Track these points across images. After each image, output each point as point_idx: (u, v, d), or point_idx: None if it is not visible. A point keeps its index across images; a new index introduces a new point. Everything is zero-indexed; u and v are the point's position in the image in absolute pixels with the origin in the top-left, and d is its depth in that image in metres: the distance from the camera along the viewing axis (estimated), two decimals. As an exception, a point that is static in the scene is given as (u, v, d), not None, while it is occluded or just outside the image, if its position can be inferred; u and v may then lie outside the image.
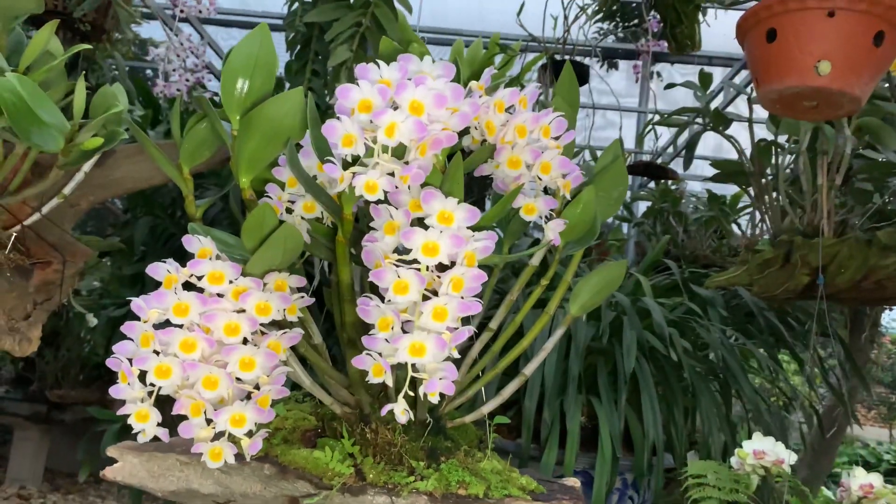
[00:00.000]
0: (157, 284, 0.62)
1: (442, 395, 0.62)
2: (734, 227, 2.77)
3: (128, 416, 0.57)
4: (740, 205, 3.00)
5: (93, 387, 3.05)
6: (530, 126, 0.68)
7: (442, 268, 0.58)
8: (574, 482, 0.94)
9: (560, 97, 0.76)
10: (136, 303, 0.58)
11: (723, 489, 1.29)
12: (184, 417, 0.59)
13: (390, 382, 0.55)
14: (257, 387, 0.60)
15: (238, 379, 0.58)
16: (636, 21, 3.49)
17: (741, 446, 1.34)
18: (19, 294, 0.89)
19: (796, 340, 1.91)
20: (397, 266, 0.57)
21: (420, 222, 0.61)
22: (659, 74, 3.61)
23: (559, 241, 0.72)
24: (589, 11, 2.54)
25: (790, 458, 1.27)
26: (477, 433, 0.90)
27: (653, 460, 1.57)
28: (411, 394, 0.57)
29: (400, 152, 0.60)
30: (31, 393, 3.05)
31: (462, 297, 0.56)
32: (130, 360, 0.58)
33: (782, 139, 1.60)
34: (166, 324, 0.60)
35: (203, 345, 0.57)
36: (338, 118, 0.57)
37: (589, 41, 2.94)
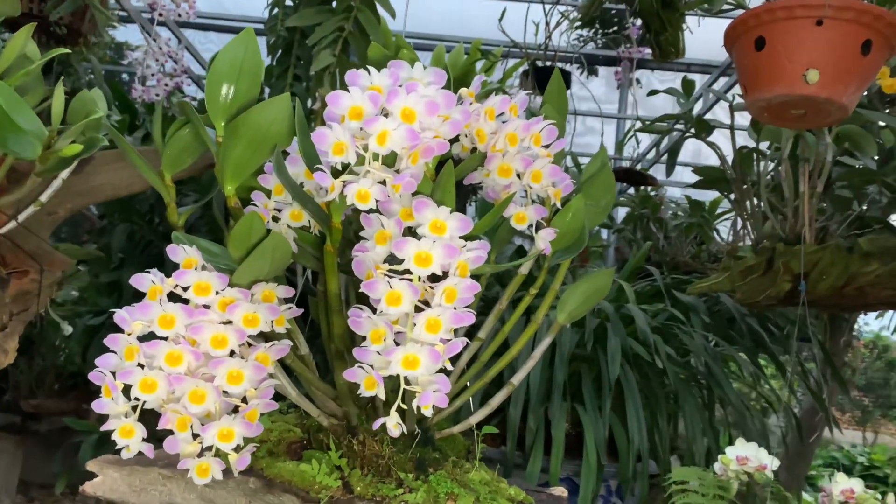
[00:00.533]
0: (136, 292, 0.61)
1: (434, 408, 0.61)
2: (713, 233, 2.79)
3: (110, 431, 0.55)
4: (718, 210, 3.03)
5: (69, 397, 2.99)
6: (521, 134, 0.67)
7: (433, 278, 0.57)
8: (561, 492, 0.93)
9: (549, 105, 0.76)
10: (120, 314, 0.57)
11: (706, 495, 1.29)
12: (168, 432, 0.58)
13: (383, 395, 0.54)
14: (244, 400, 0.59)
15: (225, 392, 0.56)
16: (615, 28, 3.52)
17: (724, 452, 1.35)
18: (-6, 304, 0.87)
19: (776, 345, 1.93)
20: (389, 277, 0.56)
21: (410, 231, 0.60)
22: (638, 81, 3.63)
23: (549, 249, 0.72)
24: (570, 17, 2.55)
25: (773, 463, 1.27)
26: (464, 443, 0.89)
27: (637, 466, 1.57)
28: (403, 406, 0.56)
29: (390, 160, 0.59)
30: (5, 403, 2.98)
31: (455, 308, 0.55)
32: (114, 374, 0.56)
33: (764, 146, 1.61)
34: (150, 336, 0.59)
35: (189, 357, 0.55)
36: (328, 126, 0.56)
37: (570, 48, 2.96)
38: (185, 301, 0.59)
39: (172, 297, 0.59)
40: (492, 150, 0.67)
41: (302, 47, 1.55)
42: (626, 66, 2.64)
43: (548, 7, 2.47)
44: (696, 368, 1.80)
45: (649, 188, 3.20)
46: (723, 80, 3.41)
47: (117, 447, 0.57)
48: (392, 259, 0.60)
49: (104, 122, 0.81)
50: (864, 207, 1.45)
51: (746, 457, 1.28)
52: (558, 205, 0.72)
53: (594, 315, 1.74)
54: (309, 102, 1.59)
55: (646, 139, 3.58)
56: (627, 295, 1.74)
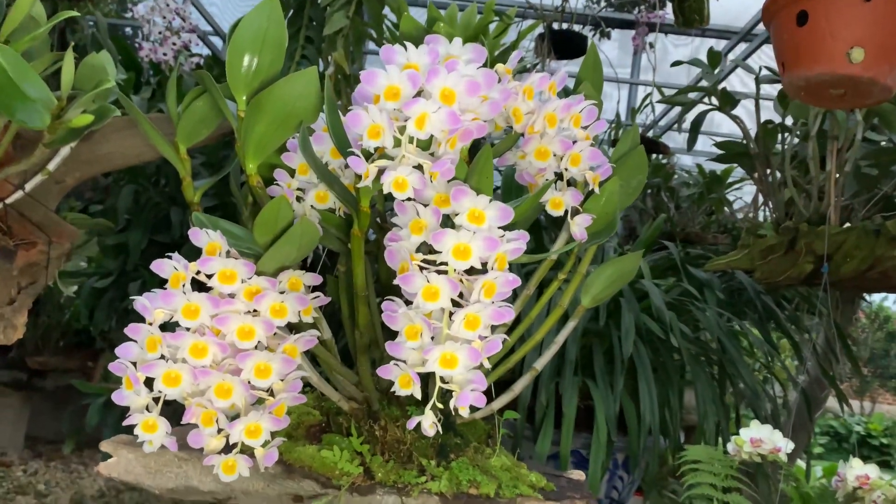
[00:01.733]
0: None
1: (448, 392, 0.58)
2: (726, 205, 2.75)
3: (132, 420, 0.52)
4: (729, 180, 2.98)
5: (74, 354, 2.99)
6: (560, 114, 0.64)
7: (470, 270, 0.55)
8: (579, 475, 0.92)
9: (588, 82, 0.72)
10: (141, 302, 0.54)
11: (718, 475, 1.28)
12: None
13: (419, 395, 0.52)
14: (270, 392, 0.56)
15: (251, 385, 0.54)
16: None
17: (736, 429, 1.34)
18: (2, 278, 0.84)
19: (787, 322, 1.91)
20: (424, 269, 0.53)
21: (446, 219, 0.57)
22: (652, 45, 3.55)
23: (585, 237, 0.69)
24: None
25: (787, 446, 1.26)
26: (485, 428, 0.88)
27: (647, 442, 1.56)
28: (440, 405, 0.54)
29: (425, 143, 0.56)
30: (11, 360, 2.99)
31: (493, 304, 0.53)
32: (135, 365, 0.54)
33: (789, 121, 1.56)
34: (170, 323, 0.56)
35: (215, 349, 0.53)
36: (363, 106, 0.52)
37: (585, 10, 2.87)
38: (208, 289, 0.56)
39: (194, 283, 0.56)
40: (529, 131, 0.64)
41: (315, 8, 1.50)
42: (644, 30, 2.57)
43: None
44: (708, 345, 1.78)
45: (661, 156, 3.15)
46: (741, 47, 3.33)
47: (139, 440, 0.54)
48: (424, 247, 0.58)
49: (115, 90, 0.77)
50: (893, 187, 1.42)
51: (760, 439, 1.27)
52: (596, 189, 0.69)
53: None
54: (321, 66, 1.54)
55: (659, 105, 3.51)
56: (643, 270, 1.71)
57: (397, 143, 0.53)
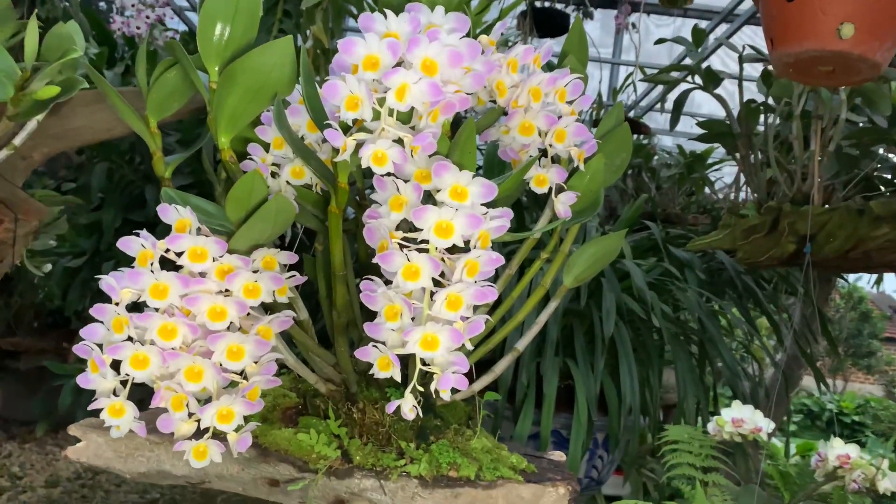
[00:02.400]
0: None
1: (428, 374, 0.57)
2: (707, 185, 2.75)
3: (98, 405, 0.50)
4: (709, 161, 2.98)
5: (48, 335, 2.94)
6: (545, 88, 0.62)
7: (452, 249, 0.53)
8: (560, 456, 0.91)
9: (573, 56, 0.69)
10: (106, 282, 0.51)
11: (698, 455, 1.29)
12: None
13: (398, 377, 0.50)
14: (243, 374, 0.54)
15: (223, 368, 0.52)
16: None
17: (716, 409, 1.34)
18: (-34, 255, 0.81)
19: (767, 301, 1.91)
20: (404, 247, 0.51)
21: (427, 196, 0.54)
22: (634, 25, 3.53)
23: (570, 214, 0.67)
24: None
25: (768, 426, 1.27)
26: (465, 409, 0.86)
27: (627, 421, 1.56)
28: (420, 388, 0.52)
29: (405, 116, 0.54)
30: (-18, 341, 2.93)
31: (475, 283, 0.51)
32: (101, 347, 0.51)
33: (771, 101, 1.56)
34: (138, 304, 0.54)
35: (184, 331, 0.50)
36: (340, 76, 0.50)
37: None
38: (178, 267, 0.53)
39: (164, 262, 0.54)
40: (513, 105, 0.62)
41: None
42: (627, 9, 2.55)
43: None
44: (688, 325, 1.79)
45: (642, 137, 3.14)
46: (723, 27, 3.32)
47: (105, 425, 0.52)
48: (405, 224, 0.55)
49: (83, 61, 0.74)
50: (875, 167, 1.42)
51: (742, 419, 1.27)
52: (581, 166, 0.67)
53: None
54: (299, 41, 1.50)
55: (641, 85, 3.50)
56: (624, 250, 1.70)
57: (376, 116, 0.51)
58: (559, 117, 0.63)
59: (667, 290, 1.74)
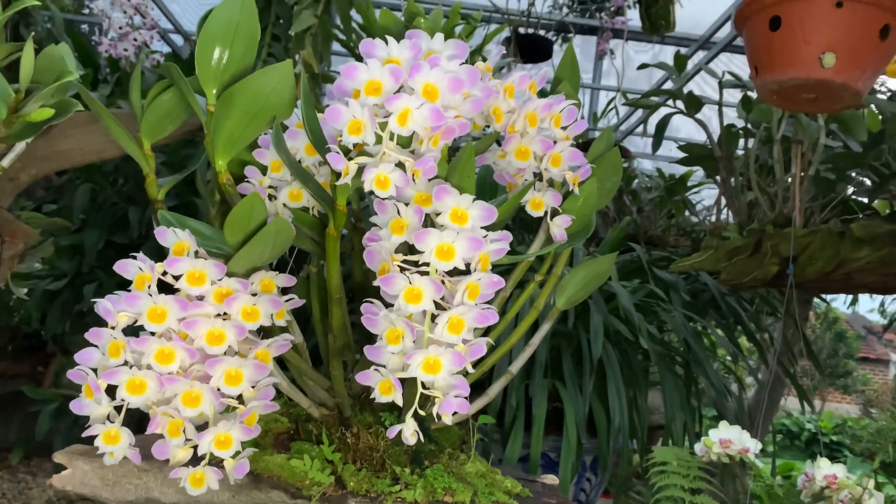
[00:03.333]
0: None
1: (427, 398, 0.57)
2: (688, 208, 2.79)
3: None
4: (689, 184, 3.03)
5: (23, 359, 2.88)
6: (541, 114, 0.62)
7: (451, 272, 0.53)
8: (553, 479, 0.91)
9: (566, 82, 0.71)
10: (103, 305, 0.51)
11: (687, 476, 1.29)
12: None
13: (400, 401, 0.50)
14: (240, 399, 0.54)
15: (220, 392, 0.51)
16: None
17: (703, 430, 1.34)
18: (-48, 278, 0.79)
19: (750, 322, 1.93)
20: (404, 269, 0.51)
21: (427, 219, 0.55)
22: (612, 52, 3.59)
23: (564, 237, 0.68)
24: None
25: (755, 446, 1.28)
26: (459, 433, 0.86)
27: (615, 444, 1.56)
28: (422, 412, 0.52)
29: (405, 141, 0.54)
30: (-44, 365, 2.86)
31: (476, 305, 0.51)
32: (96, 371, 0.50)
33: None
34: (135, 328, 0.53)
35: (182, 355, 0.50)
36: (343, 101, 0.50)
37: (551, 16, 2.89)
38: (174, 290, 0.53)
39: (159, 285, 0.53)
40: (509, 130, 0.62)
41: (281, 5, 1.46)
42: (608, 35, 2.59)
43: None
44: (673, 346, 1.80)
45: (623, 160, 3.17)
46: (700, 54, 3.38)
47: (99, 452, 0.51)
48: (403, 247, 0.56)
49: (78, 85, 0.74)
50: (851, 191, 1.45)
51: (729, 439, 1.28)
52: (575, 190, 0.67)
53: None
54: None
55: (621, 110, 3.55)
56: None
57: (378, 140, 0.51)
58: (554, 142, 0.63)
59: (652, 311, 1.75)
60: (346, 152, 0.54)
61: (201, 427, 0.53)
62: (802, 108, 0.91)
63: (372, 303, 0.52)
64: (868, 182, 1.55)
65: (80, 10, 3.02)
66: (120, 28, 1.53)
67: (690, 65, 3.25)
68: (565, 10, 3.43)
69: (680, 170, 2.95)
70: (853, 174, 1.56)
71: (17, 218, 0.87)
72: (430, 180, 0.54)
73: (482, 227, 0.53)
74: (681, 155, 1.82)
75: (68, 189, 2.05)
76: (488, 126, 0.68)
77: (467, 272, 0.53)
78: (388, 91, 0.50)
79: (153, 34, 1.57)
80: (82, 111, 0.91)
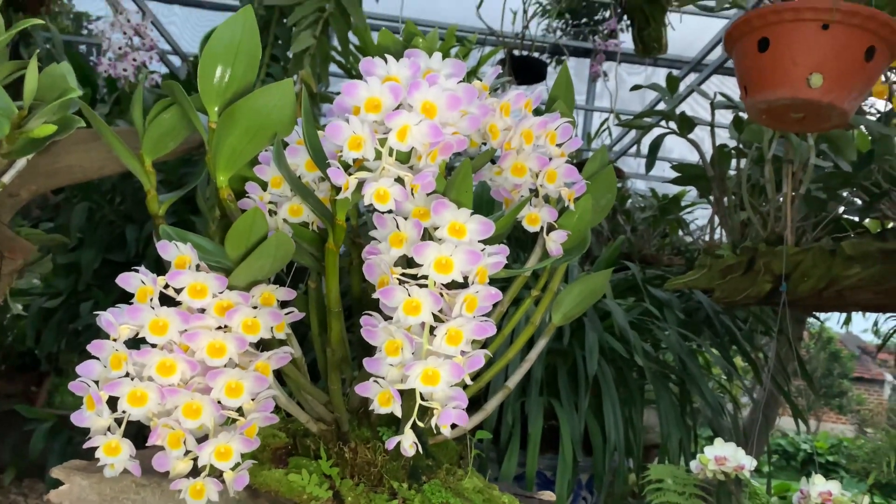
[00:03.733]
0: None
1: (425, 410, 0.57)
2: (681, 227, 2.82)
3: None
4: (682, 203, 3.06)
5: (16, 378, 2.87)
6: (537, 131, 0.64)
7: (449, 285, 0.54)
8: (550, 496, 0.91)
9: (561, 100, 0.72)
10: (105, 317, 0.51)
11: (683, 494, 1.29)
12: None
13: (399, 412, 0.50)
14: (240, 411, 0.54)
15: (221, 404, 0.52)
16: (584, 20, 3.51)
17: (699, 448, 1.35)
18: (-49, 294, 0.80)
19: (744, 340, 1.94)
20: (404, 282, 0.52)
21: (425, 233, 0.56)
22: (605, 74, 3.63)
23: (560, 252, 0.69)
24: (547, 7, 2.53)
25: (751, 463, 1.28)
26: (456, 449, 0.86)
27: (611, 461, 1.56)
28: (420, 424, 0.52)
29: (403, 157, 0.55)
30: (-52, 384, 2.85)
31: (474, 318, 0.52)
32: (97, 384, 0.51)
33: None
34: (135, 341, 0.54)
35: (183, 367, 0.50)
36: (344, 118, 0.51)
37: (545, 39, 2.93)
38: (175, 304, 0.54)
39: (160, 298, 0.54)
40: (506, 147, 0.64)
41: (280, 27, 1.48)
42: (601, 57, 2.63)
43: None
44: (670, 364, 1.81)
45: (617, 180, 3.20)
46: (692, 76, 3.43)
47: (100, 464, 0.51)
48: (401, 261, 0.57)
49: (77, 100, 0.75)
50: (841, 210, 1.46)
51: (725, 456, 1.28)
52: (571, 206, 0.69)
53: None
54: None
55: (614, 130, 3.59)
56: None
57: (377, 156, 0.52)
58: (550, 159, 0.65)
59: (647, 329, 1.76)
60: (346, 168, 0.55)
61: (201, 440, 0.53)
62: (791, 127, 0.93)
63: (371, 315, 0.53)
64: (858, 201, 1.58)
65: (78, 31, 3.05)
66: (119, 48, 1.55)
67: (682, 87, 3.29)
68: (559, 32, 3.48)
69: (673, 190, 2.98)
70: (844, 193, 1.58)
71: (17, 234, 0.87)
72: (428, 195, 0.55)
73: (480, 241, 0.54)
74: (674, 175, 1.84)
75: (65, 207, 2.06)
76: (484, 144, 0.69)
77: (465, 286, 0.54)
78: (387, 108, 0.51)
79: (152, 54, 1.58)
80: (84, 128, 0.92)
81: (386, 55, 0.53)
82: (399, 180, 0.52)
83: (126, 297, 0.54)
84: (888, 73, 0.97)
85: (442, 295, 0.53)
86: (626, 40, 2.97)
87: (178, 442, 0.50)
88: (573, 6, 3.26)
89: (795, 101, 0.87)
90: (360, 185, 0.54)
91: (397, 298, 0.50)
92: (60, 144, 0.89)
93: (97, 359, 0.52)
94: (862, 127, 1.41)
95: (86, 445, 0.49)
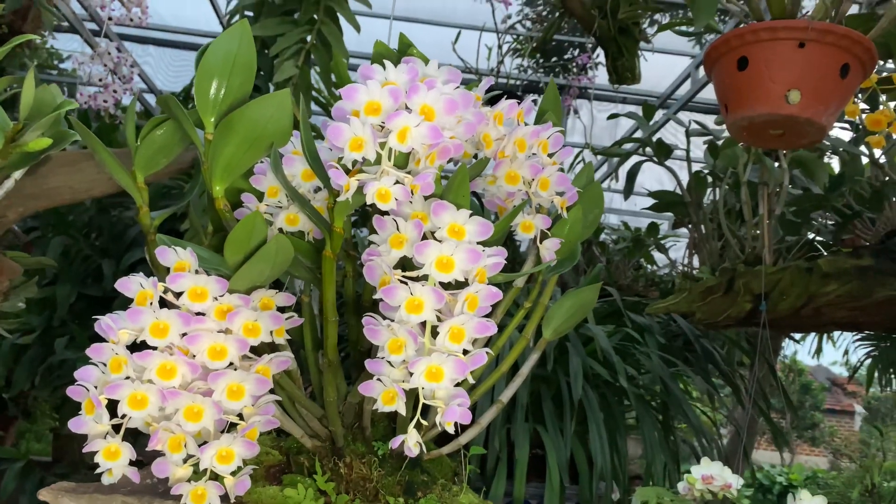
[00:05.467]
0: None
1: (419, 425, 0.57)
2: (661, 255, 2.86)
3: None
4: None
5: (-14, 421, 2.77)
6: (529, 140, 0.65)
7: (447, 286, 0.54)
8: (542, 514, 0.90)
9: (551, 112, 0.74)
10: (104, 322, 0.51)
11: (671, 515, 1.29)
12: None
13: (403, 411, 0.50)
14: (241, 417, 0.53)
15: (223, 408, 0.51)
16: (555, 58, 3.60)
17: (682, 472, 1.35)
18: (-67, 316, 0.78)
19: (724, 364, 1.96)
20: (403, 282, 0.52)
21: (424, 237, 0.56)
22: (576, 111, 3.71)
23: (554, 259, 0.70)
24: (520, 44, 2.60)
25: (738, 482, 1.28)
26: (451, 465, 0.86)
27: (598, 488, 1.55)
28: (424, 422, 0.52)
29: (402, 161, 0.56)
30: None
31: (476, 316, 0.52)
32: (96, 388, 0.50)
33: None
34: (135, 347, 0.53)
35: (184, 370, 0.50)
36: (346, 119, 0.52)
37: (519, 76, 2.99)
38: (172, 307, 0.53)
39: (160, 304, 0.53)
40: (499, 155, 0.65)
41: (262, 58, 1.50)
42: (575, 91, 2.69)
43: (500, 34, 2.50)
44: (651, 389, 1.81)
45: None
46: (659, 113, 3.53)
47: (98, 470, 0.50)
48: (401, 266, 0.57)
49: (72, 118, 0.75)
50: (816, 232, 1.50)
51: (711, 476, 1.28)
52: (564, 214, 0.70)
53: (553, 335, 1.72)
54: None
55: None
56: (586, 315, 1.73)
57: (377, 159, 0.53)
58: (543, 167, 0.66)
59: (629, 354, 1.77)
60: (346, 172, 0.56)
61: (201, 446, 0.52)
62: (771, 143, 0.96)
63: (373, 317, 0.53)
64: (831, 223, 1.62)
65: (51, 66, 3.05)
66: (100, 80, 1.55)
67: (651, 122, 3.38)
68: (530, 71, 3.56)
69: (644, 223, 3.04)
70: (818, 216, 1.62)
71: (3, 255, 0.86)
72: (426, 199, 0.56)
73: (478, 243, 0.55)
74: (645, 206, 1.88)
75: (35, 246, 2.03)
76: (475, 157, 0.70)
77: (466, 286, 0.54)
78: (387, 111, 0.52)
79: (132, 85, 1.59)
80: (70, 151, 0.92)
81: (384, 61, 0.54)
82: (399, 182, 0.53)
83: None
84: (888, 103, 1.01)
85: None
86: (598, 74, 3.05)
87: (178, 446, 0.49)
88: (544, 46, 3.35)
89: (775, 118, 0.90)
90: (360, 189, 0.54)
91: (399, 297, 0.51)
92: (48, 166, 0.88)
93: (97, 365, 0.52)
94: (832, 148, 1.45)
95: (85, 449, 0.48)
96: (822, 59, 0.86)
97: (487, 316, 0.56)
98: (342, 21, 1.54)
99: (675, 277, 2.82)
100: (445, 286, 0.54)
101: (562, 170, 0.68)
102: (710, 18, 0.90)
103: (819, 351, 3.53)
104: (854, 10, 1.00)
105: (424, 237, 0.56)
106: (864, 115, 1.06)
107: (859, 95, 1.06)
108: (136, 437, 0.56)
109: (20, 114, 0.67)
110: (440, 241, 0.53)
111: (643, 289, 3.01)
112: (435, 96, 0.54)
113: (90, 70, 1.61)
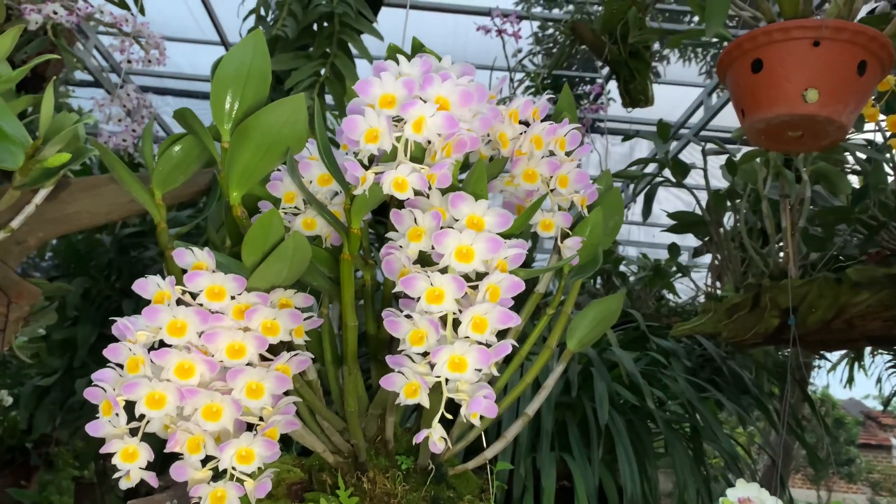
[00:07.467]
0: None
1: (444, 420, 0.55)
2: (686, 282, 2.83)
3: (110, 448, 0.47)
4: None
5: (6, 473, 2.76)
6: (546, 137, 0.65)
7: (468, 279, 0.53)
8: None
9: (566, 112, 0.73)
10: (122, 323, 0.50)
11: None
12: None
13: (426, 403, 0.49)
14: (260, 418, 0.52)
15: (242, 407, 0.50)
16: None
17: (724, 495, 1.30)
18: (-46, 340, 0.78)
19: (754, 387, 1.91)
20: (423, 272, 0.51)
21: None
22: (592, 142, 3.70)
23: (578, 259, 0.68)
24: (532, 77, 2.62)
25: (776, 504, 1.23)
26: (477, 482, 0.83)
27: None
28: (449, 416, 0.50)
29: (418, 153, 0.56)
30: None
31: (498, 305, 0.51)
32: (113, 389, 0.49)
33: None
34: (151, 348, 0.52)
35: (202, 368, 0.49)
36: (360, 112, 0.52)
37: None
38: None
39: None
40: (517, 153, 0.64)
41: (277, 92, 1.52)
42: (588, 121, 2.70)
43: (511, 70, 2.53)
44: (679, 413, 1.77)
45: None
46: (674, 143, 3.53)
47: (116, 475, 0.49)
48: (422, 261, 0.56)
49: (96, 140, 0.76)
50: (841, 247, 1.47)
51: (749, 498, 1.24)
52: (584, 212, 0.69)
53: (576, 360, 1.70)
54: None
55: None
56: (610, 339, 1.71)
57: (393, 151, 0.53)
58: (560, 164, 0.65)
59: (655, 377, 1.73)
60: (365, 168, 0.55)
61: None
62: (790, 146, 0.94)
63: (392, 311, 0.52)
64: (856, 237, 1.59)
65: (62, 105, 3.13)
66: (120, 120, 1.58)
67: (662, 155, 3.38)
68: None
69: (663, 255, 3.03)
70: (842, 229, 1.59)
71: (23, 280, 0.86)
72: (443, 194, 0.55)
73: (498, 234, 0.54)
74: (665, 230, 1.86)
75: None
76: (491, 159, 0.70)
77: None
78: (402, 100, 0.52)
79: (149, 122, 1.61)
80: (91, 176, 0.92)
81: (398, 55, 0.54)
82: (416, 171, 0.52)
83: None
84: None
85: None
86: (611, 107, 3.07)
87: (197, 446, 0.47)
88: (555, 82, 3.39)
89: (793, 118, 0.89)
90: (377, 185, 0.54)
91: (419, 287, 0.49)
92: (67, 191, 0.89)
93: (113, 367, 0.51)
94: (856, 154, 1.43)
95: (103, 450, 0.47)
96: (839, 57, 0.86)
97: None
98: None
99: (697, 306, 2.78)
100: (466, 280, 0.53)
101: (579, 167, 0.68)
102: (721, 26, 0.89)
103: (851, 380, 3.43)
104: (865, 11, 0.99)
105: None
106: (883, 119, 1.05)
107: (875, 101, 1.04)
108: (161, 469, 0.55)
109: (39, 130, 0.67)
110: (459, 231, 0.52)
111: (665, 319, 2.97)
112: (450, 87, 0.53)
113: (110, 112, 1.64)
